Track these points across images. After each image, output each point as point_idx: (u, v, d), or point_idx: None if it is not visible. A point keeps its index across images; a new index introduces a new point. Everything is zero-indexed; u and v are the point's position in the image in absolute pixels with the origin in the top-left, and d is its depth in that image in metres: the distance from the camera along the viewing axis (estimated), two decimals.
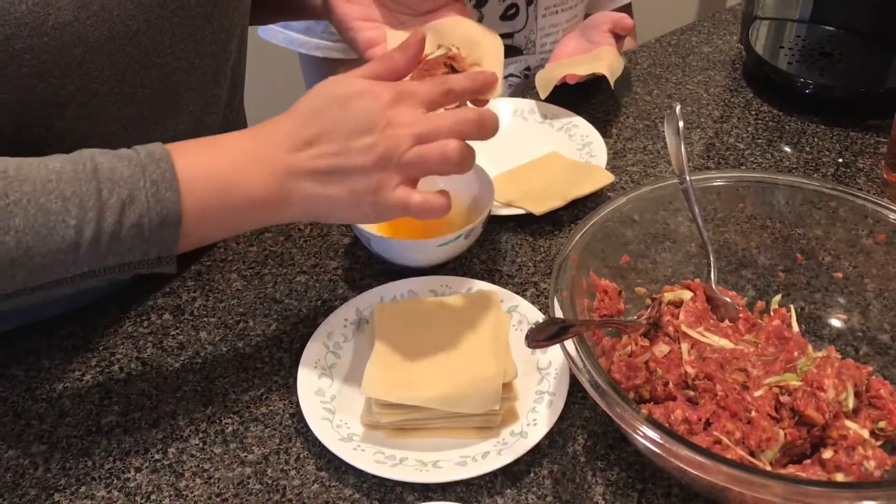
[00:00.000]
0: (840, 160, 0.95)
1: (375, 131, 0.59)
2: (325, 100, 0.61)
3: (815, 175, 0.93)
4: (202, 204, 0.58)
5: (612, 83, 0.98)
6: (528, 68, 1.17)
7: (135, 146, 0.58)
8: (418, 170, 0.62)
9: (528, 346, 0.55)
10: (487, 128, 0.63)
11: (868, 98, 1.01)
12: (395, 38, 0.76)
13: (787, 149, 0.97)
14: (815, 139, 0.99)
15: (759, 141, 0.98)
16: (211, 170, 0.59)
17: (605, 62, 0.98)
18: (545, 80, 0.99)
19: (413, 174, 0.62)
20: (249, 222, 0.62)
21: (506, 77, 1.17)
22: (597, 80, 1.03)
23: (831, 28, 1.09)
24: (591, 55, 1.01)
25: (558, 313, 0.60)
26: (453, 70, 0.71)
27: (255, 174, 0.59)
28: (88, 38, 0.60)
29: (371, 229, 0.78)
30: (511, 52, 1.14)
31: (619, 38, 1.05)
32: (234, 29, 0.75)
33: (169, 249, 0.58)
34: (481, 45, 0.74)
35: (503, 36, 1.11)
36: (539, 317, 0.73)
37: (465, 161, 0.62)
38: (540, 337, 0.55)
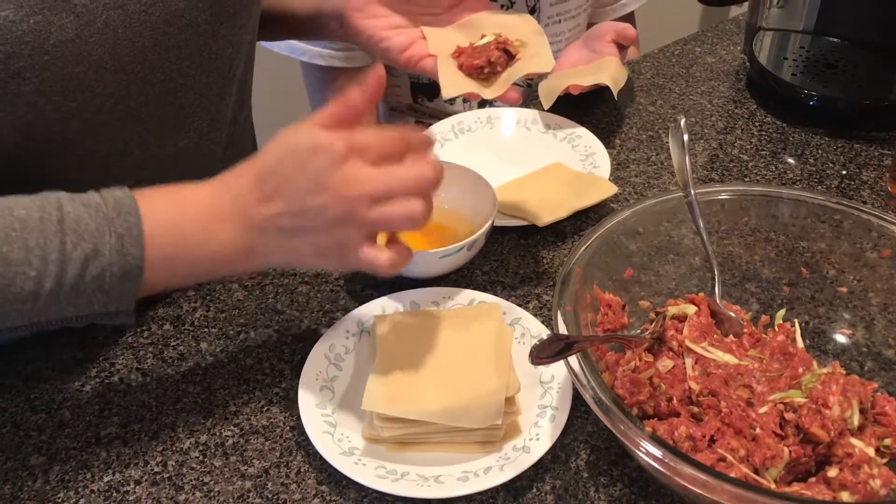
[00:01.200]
0: (844, 172, 0.95)
1: (329, 192, 0.57)
2: (283, 152, 0.59)
3: (819, 187, 0.93)
4: (165, 259, 0.57)
5: (615, 94, 0.97)
6: (530, 79, 1.17)
7: (103, 190, 0.57)
8: (382, 228, 0.61)
9: (533, 363, 0.54)
10: (441, 179, 0.61)
11: (872, 110, 1.00)
12: (432, 35, 0.77)
13: (791, 161, 0.97)
14: (820, 151, 0.98)
15: (763, 153, 0.98)
16: (177, 224, 0.58)
17: (609, 73, 0.98)
18: (548, 91, 0.99)
19: (376, 231, 0.61)
20: (211, 274, 0.62)
21: None
22: (600, 91, 1.03)
23: (835, 39, 1.08)
24: (594, 66, 1.01)
25: (562, 328, 0.60)
26: (507, 52, 0.73)
27: (220, 230, 0.59)
28: (91, 55, 0.60)
29: None
30: None
31: (622, 47, 1.05)
32: (241, 45, 0.75)
33: (128, 303, 0.57)
34: (520, 28, 0.76)
35: None
36: (542, 330, 0.72)
37: (426, 218, 0.60)
38: (544, 354, 0.55)
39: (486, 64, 0.73)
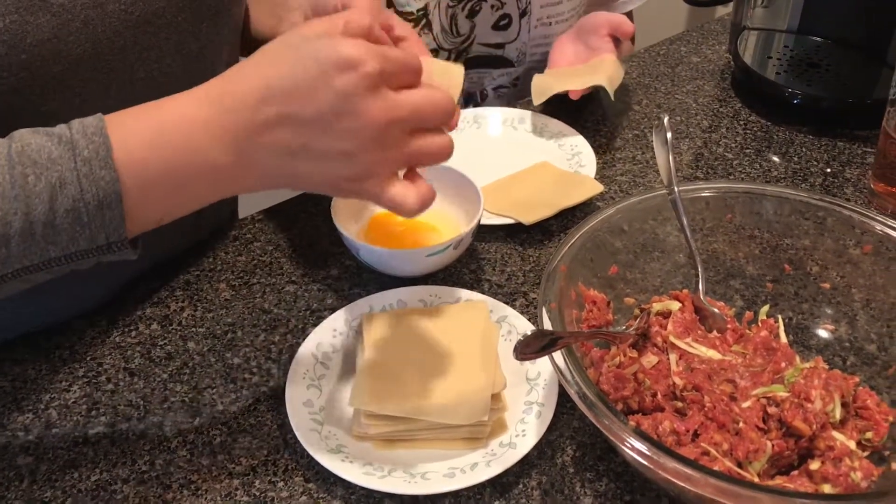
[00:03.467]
0: (828, 170, 0.96)
1: (361, 116, 0.50)
2: (299, 61, 0.51)
3: (803, 185, 0.93)
4: (145, 180, 0.51)
5: (611, 95, 0.96)
6: (517, 79, 1.17)
7: (74, 120, 0.52)
8: (415, 161, 0.55)
9: (517, 358, 0.55)
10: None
11: (856, 108, 1.01)
12: None
13: (776, 159, 0.98)
14: (804, 149, 0.99)
15: (748, 151, 0.99)
16: (153, 138, 0.51)
17: (606, 73, 0.96)
18: (541, 88, 0.99)
19: (407, 166, 0.55)
20: (208, 194, 0.55)
21: (495, 88, 1.17)
22: (591, 91, 1.03)
23: (819, 39, 1.09)
24: (590, 65, 1.00)
25: (547, 324, 0.60)
26: None
27: (207, 142, 0.52)
28: (70, 54, 0.60)
29: (360, 240, 0.78)
30: (502, 63, 1.14)
31: (617, 41, 1.03)
32: (223, 45, 0.75)
33: (117, 233, 0.51)
34: (444, 83, 0.66)
35: (494, 46, 1.11)
36: (528, 327, 0.73)
37: (452, 151, 0.56)
38: (528, 350, 0.55)
39: None
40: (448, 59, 1.10)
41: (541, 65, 1.17)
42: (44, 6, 0.57)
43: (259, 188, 0.55)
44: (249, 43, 0.81)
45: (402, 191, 0.54)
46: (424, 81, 0.55)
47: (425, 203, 0.55)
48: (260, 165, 0.53)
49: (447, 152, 0.55)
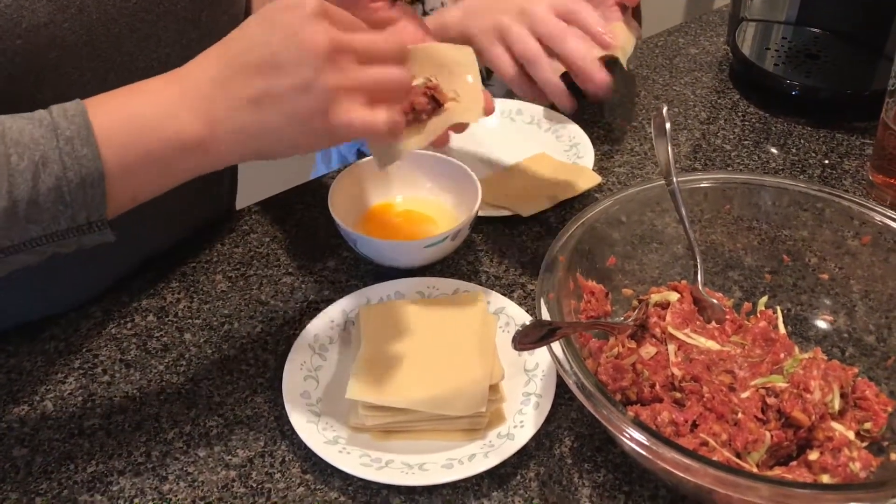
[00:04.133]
0: (826, 162, 0.96)
1: (306, 45, 0.52)
2: (247, 27, 0.55)
3: (802, 176, 0.93)
4: (125, 156, 0.53)
5: (624, 65, 0.95)
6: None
7: (49, 106, 0.53)
8: (370, 88, 0.55)
9: (515, 348, 0.55)
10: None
11: (854, 100, 1.01)
12: None
13: (774, 150, 0.98)
14: (802, 141, 0.99)
15: (746, 142, 0.99)
16: (131, 117, 0.53)
17: (617, 42, 0.95)
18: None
19: (366, 93, 0.55)
20: (184, 170, 0.56)
21: None
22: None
23: (817, 30, 1.09)
24: None
25: (545, 315, 0.60)
26: (434, 101, 0.64)
27: (179, 113, 0.53)
28: (66, 40, 0.59)
29: (358, 231, 0.78)
30: None
31: (624, 9, 1.02)
32: (224, 32, 0.74)
33: (98, 212, 0.53)
34: (455, 67, 0.67)
35: None
36: (526, 318, 0.72)
37: (409, 87, 0.59)
38: (527, 340, 0.55)
39: (410, 111, 0.63)
40: None
41: None
42: None
43: (235, 157, 0.56)
44: None
45: (369, 113, 0.54)
46: (436, 64, 0.64)
47: (396, 123, 0.56)
48: (230, 128, 0.54)
49: (405, 83, 0.57)
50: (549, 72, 0.79)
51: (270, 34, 0.53)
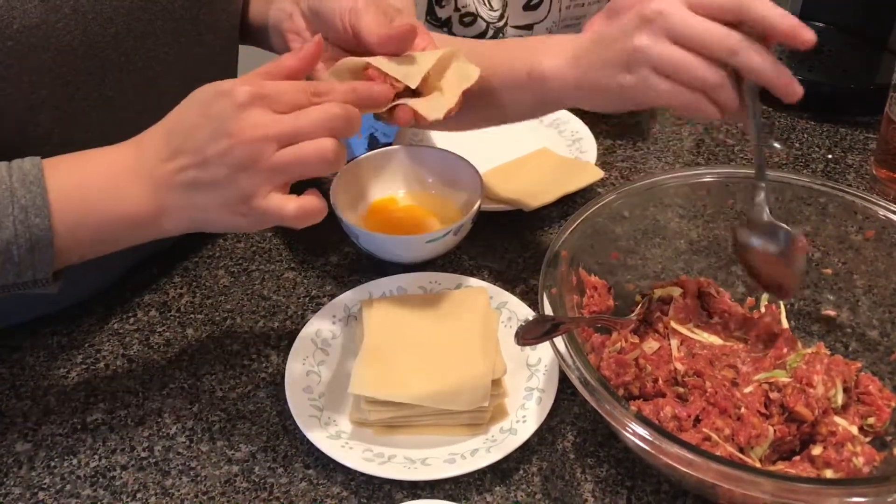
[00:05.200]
0: (829, 156, 0.95)
1: (230, 137, 0.53)
2: (188, 105, 0.56)
3: (805, 171, 0.93)
4: (75, 225, 0.55)
5: None
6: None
7: (13, 161, 0.56)
8: (292, 173, 0.55)
9: (518, 343, 0.54)
10: (354, 123, 0.57)
11: (857, 95, 1.01)
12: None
13: (777, 145, 0.97)
14: (805, 135, 0.99)
15: (749, 137, 0.98)
16: (83, 187, 0.56)
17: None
18: None
19: (285, 179, 0.56)
20: (130, 238, 0.58)
21: None
22: None
23: (821, 24, 1.09)
24: None
25: (548, 310, 0.60)
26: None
27: (128, 190, 0.56)
28: (60, 41, 0.59)
29: (360, 226, 0.78)
30: None
31: None
32: (222, 31, 0.74)
33: (44, 272, 0.56)
34: (463, 79, 0.65)
35: (524, 28, 1.10)
36: (529, 313, 0.72)
37: (340, 160, 0.56)
38: (529, 335, 0.55)
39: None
40: (485, 33, 1.08)
41: None
42: None
43: (182, 230, 0.59)
44: (247, 28, 0.80)
45: (279, 201, 0.55)
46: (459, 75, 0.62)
47: (306, 212, 0.56)
48: (170, 206, 0.56)
49: (327, 157, 0.55)
50: (762, 52, 0.57)
51: (202, 122, 0.54)
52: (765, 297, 0.72)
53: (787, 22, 0.56)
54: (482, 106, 0.72)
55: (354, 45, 0.65)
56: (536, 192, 0.86)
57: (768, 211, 0.64)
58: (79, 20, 0.60)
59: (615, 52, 0.61)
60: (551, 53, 0.66)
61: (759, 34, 0.57)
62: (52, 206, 0.54)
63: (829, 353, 0.65)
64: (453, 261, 0.81)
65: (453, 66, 0.65)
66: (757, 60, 0.57)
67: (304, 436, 0.62)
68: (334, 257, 0.81)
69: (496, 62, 0.70)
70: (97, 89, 0.63)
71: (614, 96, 0.62)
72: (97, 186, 0.56)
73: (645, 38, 0.58)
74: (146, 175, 0.56)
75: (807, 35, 0.56)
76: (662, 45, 0.58)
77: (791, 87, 0.58)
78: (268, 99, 0.54)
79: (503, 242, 0.83)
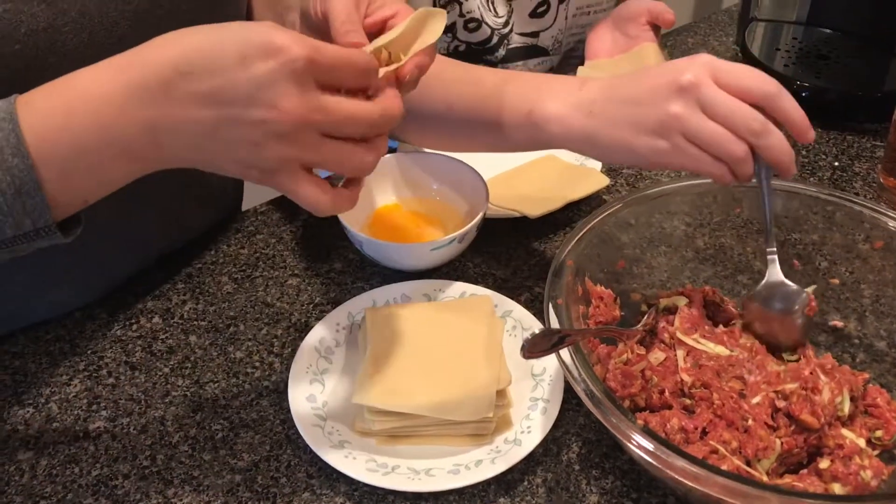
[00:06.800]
0: (836, 164, 0.95)
1: (276, 109, 0.47)
2: (223, 39, 0.48)
3: (812, 179, 0.92)
4: (60, 163, 0.49)
5: None
6: (551, 69, 1.15)
7: None
8: (325, 166, 0.52)
9: (525, 357, 0.54)
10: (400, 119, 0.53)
11: (865, 102, 1.00)
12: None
13: None
14: (812, 143, 0.98)
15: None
16: (65, 122, 0.48)
17: (651, 64, 0.95)
18: None
19: (316, 167, 0.52)
20: (123, 176, 0.52)
21: None
22: None
23: (828, 30, 1.08)
24: (632, 54, 0.97)
25: (553, 320, 0.59)
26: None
27: (119, 122, 0.49)
28: (66, 45, 0.58)
29: (364, 233, 0.77)
30: (537, 52, 1.12)
31: (657, 30, 1.00)
32: None
33: (43, 219, 0.49)
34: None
35: (529, 35, 1.09)
36: (534, 322, 0.72)
37: (373, 168, 0.53)
38: (536, 349, 0.54)
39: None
40: (490, 39, 1.07)
41: (575, 53, 1.14)
42: None
43: (172, 165, 0.52)
44: None
45: (315, 193, 0.51)
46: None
47: (340, 208, 0.53)
48: (171, 142, 0.50)
49: (366, 169, 0.52)
50: (780, 137, 0.61)
51: (239, 75, 0.47)
52: None
53: (802, 120, 0.61)
54: (481, 133, 0.73)
55: (328, 31, 0.60)
56: (542, 198, 0.85)
57: (780, 273, 0.66)
58: (85, 24, 0.59)
59: (646, 115, 0.62)
60: (556, 97, 0.67)
61: (773, 119, 0.61)
62: (29, 142, 0.48)
63: (836, 363, 0.65)
64: (458, 268, 0.80)
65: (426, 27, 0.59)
66: (776, 144, 0.60)
67: (307, 445, 0.62)
68: (338, 264, 0.81)
69: (498, 94, 0.70)
70: None
71: (637, 156, 0.64)
72: (79, 118, 0.49)
73: (681, 107, 0.61)
74: (144, 105, 0.48)
75: (811, 135, 0.62)
76: (698, 116, 0.60)
77: (792, 168, 0.62)
78: (323, 74, 0.48)
79: (508, 249, 0.83)
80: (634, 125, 0.63)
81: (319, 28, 0.62)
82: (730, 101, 0.60)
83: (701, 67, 0.62)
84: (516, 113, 0.69)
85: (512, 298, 0.74)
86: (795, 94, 0.99)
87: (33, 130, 0.48)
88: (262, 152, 0.49)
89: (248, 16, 0.79)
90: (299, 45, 0.47)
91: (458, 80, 0.75)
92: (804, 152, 0.97)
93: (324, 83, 0.49)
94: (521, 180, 0.89)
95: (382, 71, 0.54)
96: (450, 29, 1.05)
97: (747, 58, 1.08)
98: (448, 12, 1.04)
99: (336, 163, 0.51)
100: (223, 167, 0.52)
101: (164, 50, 0.49)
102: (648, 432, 0.52)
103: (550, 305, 0.60)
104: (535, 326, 0.72)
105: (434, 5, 1.04)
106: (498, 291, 0.75)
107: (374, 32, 0.59)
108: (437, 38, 0.57)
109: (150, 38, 0.64)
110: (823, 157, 0.96)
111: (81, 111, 0.49)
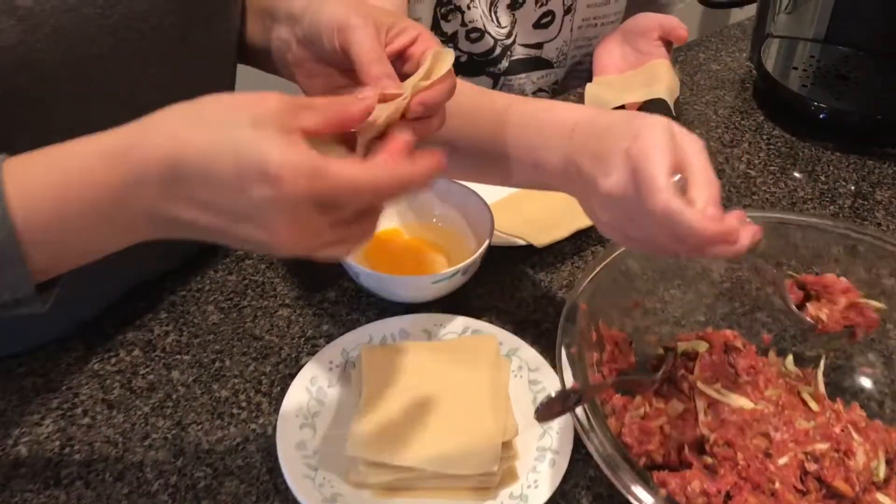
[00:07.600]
0: (856, 190, 0.90)
1: (266, 229, 0.46)
2: (223, 150, 0.45)
3: (831, 207, 0.88)
4: (50, 247, 0.48)
5: (671, 108, 0.89)
6: (556, 82, 1.11)
7: None
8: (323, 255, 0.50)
9: (539, 421, 0.50)
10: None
11: (887, 125, 0.96)
12: None
13: (801, 177, 0.92)
14: (831, 167, 0.94)
15: (772, 168, 0.93)
16: (59, 206, 0.47)
17: (664, 84, 0.90)
18: (596, 100, 0.92)
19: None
20: (110, 249, 0.50)
21: (535, 92, 1.10)
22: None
23: (847, 49, 1.04)
24: (645, 71, 0.93)
25: (567, 371, 0.55)
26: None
27: (117, 211, 0.47)
28: (40, 63, 0.54)
29: (361, 262, 0.73)
30: (541, 64, 1.07)
31: (668, 45, 0.96)
32: (217, 52, 0.69)
33: (23, 290, 0.47)
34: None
35: (533, 46, 1.05)
36: (541, 362, 0.67)
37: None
38: (551, 412, 0.50)
39: None
40: (493, 50, 1.03)
41: (581, 67, 1.10)
42: (7, 10, 0.51)
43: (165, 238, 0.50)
44: (244, 49, 0.75)
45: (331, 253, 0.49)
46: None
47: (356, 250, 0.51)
48: (175, 231, 0.48)
49: (368, 238, 0.50)
50: None
51: (236, 194, 0.44)
52: (789, 361, 0.67)
53: None
54: (489, 166, 0.68)
55: (347, 64, 0.58)
56: (548, 226, 0.81)
57: None
58: (59, 40, 0.55)
59: None
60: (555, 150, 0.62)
61: None
62: (14, 214, 0.45)
63: (864, 414, 0.60)
64: (460, 299, 0.76)
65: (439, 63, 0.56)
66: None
67: (297, 498, 0.57)
68: (332, 293, 0.76)
69: (506, 136, 0.65)
70: (79, 114, 0.58)
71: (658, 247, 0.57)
72: (74, 205, 0.47)
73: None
74: (139, 200, 0.47)
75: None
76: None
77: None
78: (322, 199, 0.45)
79: (513, 280, 0.78)
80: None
81: (334, 61, 0.58)
82: None
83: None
84: (521, 165, 0.65)
85: (517, 335, 0.70)
86: (814, 116, 0.97)
87: (28, 227, 0.46)
88: (271, 250, 0.48)
89: (242, 27, 0.74)
90: (296, 175, 0.44)
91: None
92: (823, 178, 0.92)
93: (324, 205, 0.46)
94: (527, 206, 0.84)
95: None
96: (451, 39, 1.00)
97: (762, 75, 1.03)
98: (450, 21, 0.99)
99: (336, 248, 0.49)
100: (221, 241, 0.49)
101: (160, 145, 0.46)
102: (670, 501, 0.47)
103: (563, 354, 0.55)
104: (542, 366, 0.67)
105: (435, 14, 0.99)
106: (502, 325, 0.71)
107: (396, 62, 0.56)
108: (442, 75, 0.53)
109: (131, 55, 0.60)
110: (843, 183, 0.91)
111: (77, 197, 0.47)
